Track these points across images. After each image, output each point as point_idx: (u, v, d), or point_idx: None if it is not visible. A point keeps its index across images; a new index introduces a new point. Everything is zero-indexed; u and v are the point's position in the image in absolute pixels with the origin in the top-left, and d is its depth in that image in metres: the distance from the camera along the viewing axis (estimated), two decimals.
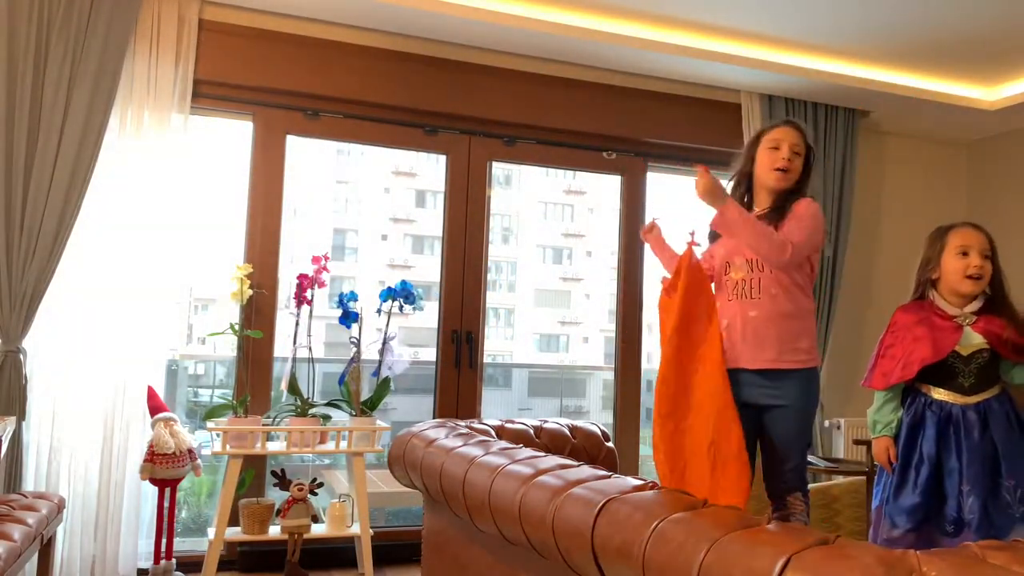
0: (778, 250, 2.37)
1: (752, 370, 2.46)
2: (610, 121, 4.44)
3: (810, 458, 3.80)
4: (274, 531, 3.45)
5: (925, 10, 3.81)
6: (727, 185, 2.70)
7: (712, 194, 2.35)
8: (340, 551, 3.83)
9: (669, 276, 2.57)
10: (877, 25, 4.00)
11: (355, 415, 3.56)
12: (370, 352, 3.63)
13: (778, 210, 2.52)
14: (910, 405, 2.55)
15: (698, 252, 2.54)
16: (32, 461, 3.31)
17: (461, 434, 2.77)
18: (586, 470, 2.01)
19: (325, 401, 3.66)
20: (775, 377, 2.44)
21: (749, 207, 2.63)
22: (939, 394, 2.49)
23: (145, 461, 3.33)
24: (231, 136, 4.01)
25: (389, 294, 3.61)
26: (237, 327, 3.54)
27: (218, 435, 3.32)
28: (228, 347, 3.86)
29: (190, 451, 3.41)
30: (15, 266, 3.23)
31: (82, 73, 3.35)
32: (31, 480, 3.30)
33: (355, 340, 3.60)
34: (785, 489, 2.47)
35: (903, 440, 2.53)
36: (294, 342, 3.57)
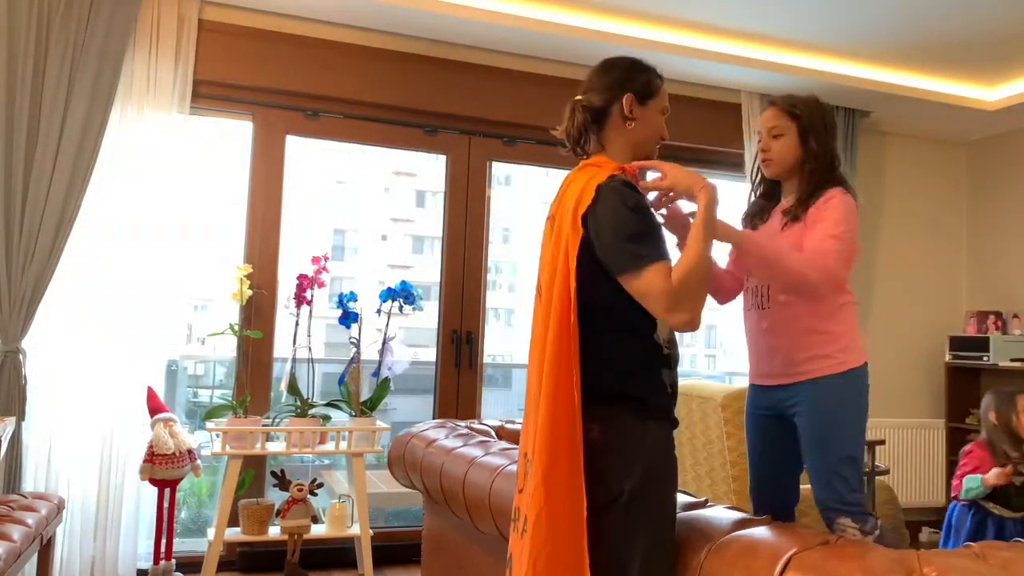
0: (806, 279, 2.09)
1: (770, 386, 2.29)
2: None
3: None
4: (274, 532, 3.45)
5: (925, 10, 3.81)
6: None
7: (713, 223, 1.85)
8: (340, 551, 3.83)
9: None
10: (877, 25, 4.00)
11: (355, 415, 3.56)
12: (370, 352, 3.63)
13: (802, 203, 2.24)
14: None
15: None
16: (32, 461, 3.31)
17: (461, 435, 2.77)
18: None
19: (325, 401, 3.66)
20: (791, 387, 2.22)
21: (775, 204, 2.37)
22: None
23: (145, 461, 3.32)
24: (231, 136, 4.00)
25: (389, 294, 3.61)
26: (237, 327, 3.54)
27: (218, 435, 3.32)
28: (228, 347, 3.85)
29: (190, 451, 3.41)
30: (15, 266, 3.23)
31: (82, 73, 3.34)
32: (31, 480, 3.30)
33: (355, 340, 3.60)
34: (827, 509, 2.19)
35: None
36: (294, 342, 3.56)
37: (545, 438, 1.59)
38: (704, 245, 1.64)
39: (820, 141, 2.26)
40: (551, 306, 1.65)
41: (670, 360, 1.73)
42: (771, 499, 2.36)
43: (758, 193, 2.48)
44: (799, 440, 2.24)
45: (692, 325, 1.59)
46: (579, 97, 1.84)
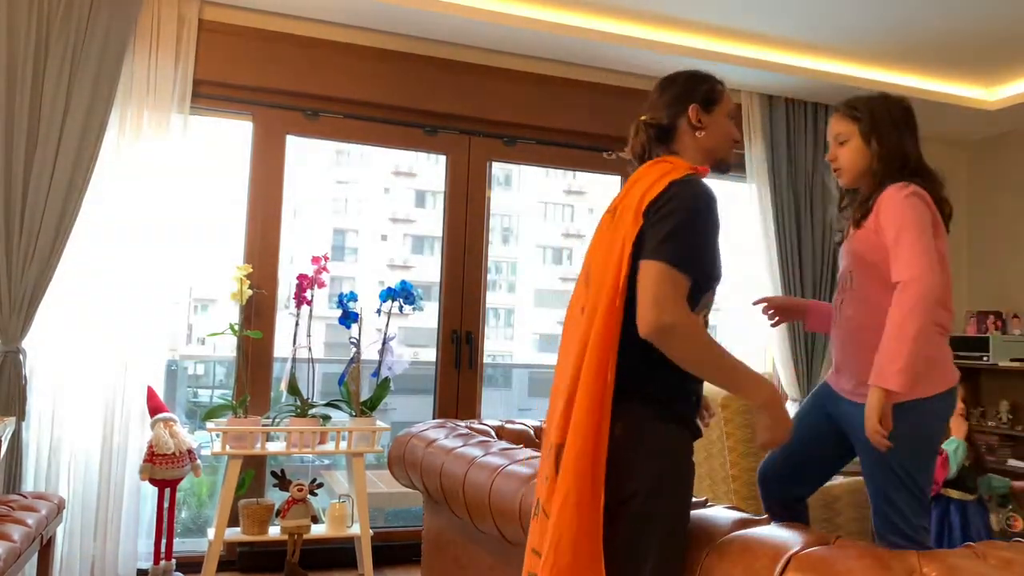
0: (926, 312, 1.93)
1: (839, 396, 2.20)
2: (610, 121, 4.43)
3: None
4: (274, 532, 3.45)
5: (925, 10, 3.81)
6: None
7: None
8: (340, 551, 3.83)
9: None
10: (877, 25, 4.00)
11: (355, 415, 3.56)
12: (370, 352, 3.63)
13: (862, 205, 2.16)
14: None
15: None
16: (32, 461, 3.31)
17: (461, 434, 2.77)
18: None
19: (325, 401, 3.66)
20: (856, 406, 2.10)
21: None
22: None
23: (145, 461, 3.32)
24: (231, 136, 4.00)
25: (389, 294, 3.61)
26: (237, 327, 3.54)
27: (218, 435, 3.32)
28: (228, 347, 3.85)
29: (190, 451, 3.41)
30: (15, 266, 3.23)
31: (82, 73, 3.34)
32: (31, 480, 3.30)
33: (355, 340, 3.60)
34: (881, 537, 2.07)
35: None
36: (294, 342, 3.56)
37: (581, 422, 1.57)
38: (731, 378, 1.60)
39: (883, 140, 2.16)
40: (598, 295, 1.63)
41: None
42: (784, 483, 2.28)
43: (842, 206, 2.34)
44: (840, 453, 2.19)
45: (651, 334, 1.54)
46: (644, 117, 1.86)
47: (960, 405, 3.24)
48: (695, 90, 1.85)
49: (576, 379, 1.62)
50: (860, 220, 2.14)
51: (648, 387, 1.64)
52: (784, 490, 2.30)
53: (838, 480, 3.61)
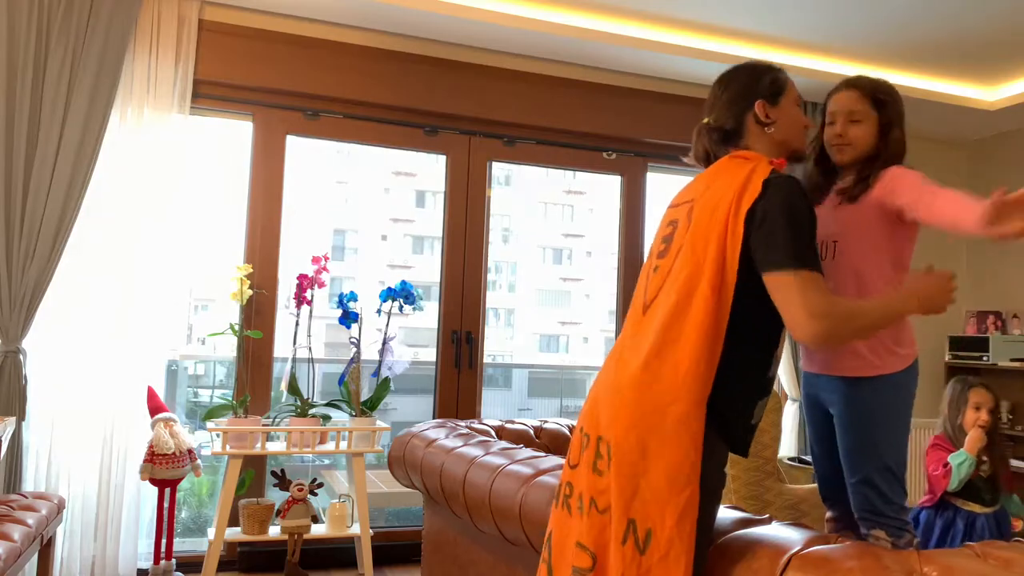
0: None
1: (813, 373, 2.19)
2: (610, 121, 4.44)
3: (794, 456, 3.64)
4: (274, 531, 3.45)
5: (925, 10, 3.81)
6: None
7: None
8: (340, 551, 3.83)
9: None
10: (877, 25, 4.00)
11: (355, 415, 3.56)
12: (370, 352, 3.63)
13: (861, 182, 2.11)
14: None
15: None
16: (32, 461, 3.31)
17: (461, 434, 2.77)
18: None
19: (325, 401, 3.66)
20: (829, 379, 2.14)
21: (833, 182, 2.24)
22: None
23: (145, 461, 3.32)
24: (231, 136, 4.01)
25: (389, 294, 3.61)
26: (237, 327, 3.54)
27: (218, 435, 3.32)
28: (228, 347, 3.85)
29: (190, 451, 3.41)
30: (15, 266, 3.23)
31: (82, 73, 3.35)
32: (31, 480, 3.30)
33: (355, 340, 3.60)
34: (861, 517, 2.08)
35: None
36: (294, 342, 3.57)
37: (690, 410, 1.51)
38: (888, 319, 1.63)
39: (900, 131, 2.18)
40: (685, 294, 1.56)
41: (766, 387, 1.65)
42: (837, 486, 2.23)
43: (817, 168, 2.29)
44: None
45: (814, 344, 1.51)
46: (706, 120, 1.78)
47: (984, 417, 3.06)
48: (758, 84, 1.79)
49: (642, 374, 1.55)
50: (858, 195, 2.12)
51: (717, 396, 1.56)
52: (839, 493, 2.25)
53: None
